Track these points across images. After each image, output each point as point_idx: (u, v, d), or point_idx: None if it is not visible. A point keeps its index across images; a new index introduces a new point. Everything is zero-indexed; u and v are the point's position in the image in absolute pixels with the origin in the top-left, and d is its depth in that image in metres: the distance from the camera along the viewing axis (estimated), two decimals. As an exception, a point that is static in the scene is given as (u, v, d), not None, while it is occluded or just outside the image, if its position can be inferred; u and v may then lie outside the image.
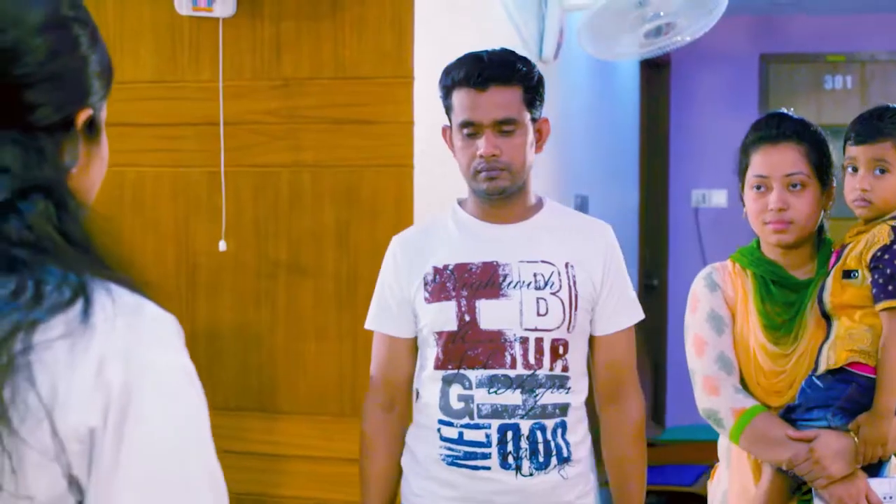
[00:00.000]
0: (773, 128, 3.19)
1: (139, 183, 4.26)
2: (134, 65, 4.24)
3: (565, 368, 3.18)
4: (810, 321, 3.15)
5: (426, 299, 3.21)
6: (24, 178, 1.40)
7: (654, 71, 8.63)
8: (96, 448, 1.35)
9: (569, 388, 3.18)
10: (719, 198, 8.68)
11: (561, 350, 3.17)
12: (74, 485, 1.35)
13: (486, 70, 3.13)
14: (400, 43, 3.96)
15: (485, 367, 3.14)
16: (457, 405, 3.17)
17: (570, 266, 3.20)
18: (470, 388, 3.15)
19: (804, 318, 3.16)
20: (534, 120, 3.20)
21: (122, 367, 1.35)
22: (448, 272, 3.20)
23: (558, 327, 3.16)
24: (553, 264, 3.19)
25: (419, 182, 3.97)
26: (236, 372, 4.17)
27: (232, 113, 4.13)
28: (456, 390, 3.17)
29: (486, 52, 3.21)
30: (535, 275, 3.17)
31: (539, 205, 3.30)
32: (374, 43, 4.00)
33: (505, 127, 3.12)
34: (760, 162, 3.18)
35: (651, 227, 8.65)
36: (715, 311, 3.24)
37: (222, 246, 4.11)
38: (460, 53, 4.36)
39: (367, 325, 3.36)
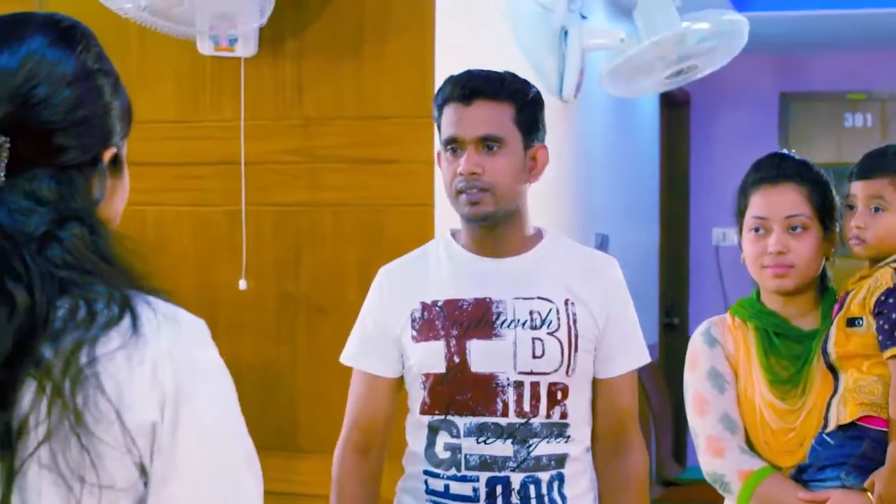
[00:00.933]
0: (773, 168, 3.05)
1: (160, 221, 4.27)
2: (156, 104, 4.26)
3: (564, 415, 2.90)
4: (818, 374, 2.94)
5: (413, 338, 2.94)
6: (60, 210, 1.63)
7: (675, 110, 8.64)
8: (157, 439, 1.59)
9: (568, 437, 2.91)
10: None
11: (559, 395, 2.89)
12: (144, 472, 1.60)
13: (471, 82, 2.90)
14: (421, 83, 3.98)
15: (473, 413, 2.87)
16: (443, 455, 2.91)
17: (570, 303, 2.91)
18: (458, 436, 2.88)
19: (811, 370, 2.95)
20: (528, 146, 2.93)
21: (171, 367, 1.60)
22: (437, 309, 2.93)
23: (556, 370, 2.88)
24: (551, 301, 2.91)
25: (440, 221, 3.98)
26: (257, 411, 4.16)
27: (253, 152, 4.15)
28: (443, 438, 2.91)
29: (480, 69, 3.01)
30: (531, 313, 2.89)
31: (538, 236, 3.02)
32: (396, 83, 4.01)
33: (489, 143, 2.86)
34: (759, 203, 3.01)
35: (671, 266, 8.64)
36: (715, 368, 3.02)
37: (242, 285, 4.12)
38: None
39: (346, 361, 3.12)
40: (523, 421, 2.86)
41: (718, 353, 3.05)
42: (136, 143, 4.20)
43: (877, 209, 2.94)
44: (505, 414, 2.86)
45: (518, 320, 2.89)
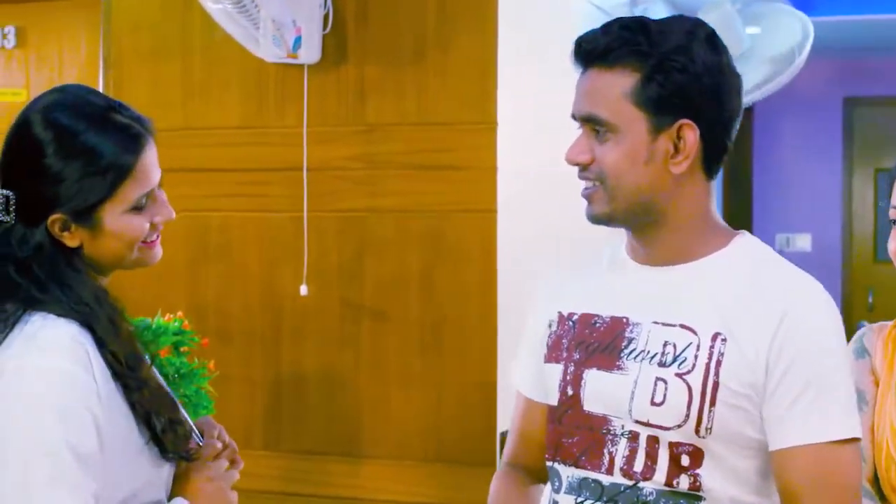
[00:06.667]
0: None
1: (225, 227, 4.29)
2: (220, 111, 4.28)
3: (696, 487, 2.10)
4: None
5: (545, 356, 2.28)
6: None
7: (737, 115, 8.61)
8: None
9: None
10: (804, 242, 8.60)
11: (686, 460, 2.09)
12: None
13: (589, 40, 2.14)
14: (483, 89, 3.98)
15: (577, 464, 2.18)
16: None
17: (721, 339, 2.09)
18: (558, 490, 2.22)
19: None
20: (660, 127, 2.11)
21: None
22: (570, 324, 2.25)
23: (679, 426, 2.08)
24: (695, 332, 2.11)
25: (502, 227, 3.97)
26: (320, 416, 4.18)
27: (316, 158, 4.16)
28: (548, 492, 2.27)
29: (625, 18, 2.21)
30: (665, 344, 2.12)
31: (720, 242, 2.20)
32: (458, 89, 4.01)
33: (595, 126, 2.12)
34: None
35: (734, 272, 8.59)
36: (855, 383, 2.20)
37: (303, 290, 4.13)
38: (543, 99, 4.38)
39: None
40: (630, 483, 2.14)
41: (864, 366, 2.43)
42: (200, 149, 4.27)
43: None
44: (609, 471, 2.15)
45: (647, 352, 2.15)
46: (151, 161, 2.14)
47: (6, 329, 2.02)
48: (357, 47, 4.12)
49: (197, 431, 2.34)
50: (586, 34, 2.14)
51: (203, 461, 2.26)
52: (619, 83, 2.10)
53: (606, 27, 2.13)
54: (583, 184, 2.17)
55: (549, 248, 4.38)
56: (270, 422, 4.21)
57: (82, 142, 2.07)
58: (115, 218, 2.11)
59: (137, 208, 2.13)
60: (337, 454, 4.15)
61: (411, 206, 4.07)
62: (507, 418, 3.94)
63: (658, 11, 5.91)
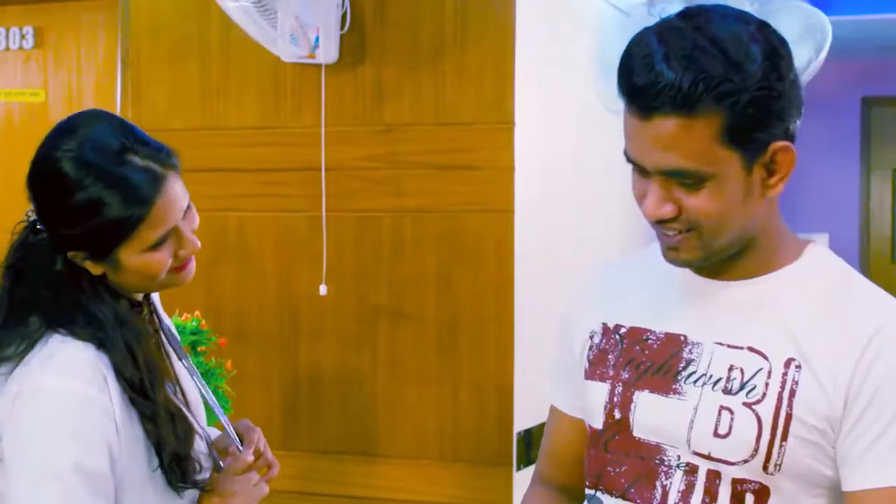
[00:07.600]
0: None
1: (241, 227, 4.30)
2: (238, 111, 4.29)
3: None
4: None
5: (585, 371, 2.11)
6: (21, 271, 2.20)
7: (754, 115, 8.59)
8: (4, 437, 2.07)
9: None
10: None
11: (751, 499, 1.89)
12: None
13: (651, 87, 1.82)
14: (501, 89, 3.97)
15: (624, 495, 2.00)
16: None
17: (795, 365, 1.89)
18: None
19: None
20: (755, 158, 1.89)
21: (17, 387, 2.05)
22: (616, 337, 2.07)
23: (745, 461, 1.89)
24: (765, 357, 1.91)
25: (520, 227, 3.97)
26: (337, 416, 4.18)
27: (334, 158, 4.16)
28: None
29: (671, 49, 1.85)
30: (730, 368, 1.92)
31: (792, 255, 2.02)
32: (476, 89, 4.01)
33: (683, 180, 1.87)
34: None
35: (751, 272, 8.57)
36: None
37: (322, 290, 4.14)
38: (561, 99, 4.38)
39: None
40: None
41: None
42: (218, 149, 4.28)
43: None
44: None
45: (710, 376, 1.94)
46: (171, 199, 2.14)
47: (28, 347, 2.08)
48: (375, 47, 4.12)
49: (236, 436, 2.35)
50: (642, 74, 1.84)
51: (232, 474, 2.26)
52: (706, 128, 1.82)
53: (668, 62, 1.82)
54: (665, 232, 1.94)
55: (566, 249, 4.39)
56: (288, 421, 4.22)
57: (90, 194, 2.09)
58: (133, 257, 2.15)
59: (157, 246, 2.15)
60: (354, 454, 4.15)
61: (429, 207, 4.07)
62: (523, 419, 3.95)
63: (675, 11, 5.89)
